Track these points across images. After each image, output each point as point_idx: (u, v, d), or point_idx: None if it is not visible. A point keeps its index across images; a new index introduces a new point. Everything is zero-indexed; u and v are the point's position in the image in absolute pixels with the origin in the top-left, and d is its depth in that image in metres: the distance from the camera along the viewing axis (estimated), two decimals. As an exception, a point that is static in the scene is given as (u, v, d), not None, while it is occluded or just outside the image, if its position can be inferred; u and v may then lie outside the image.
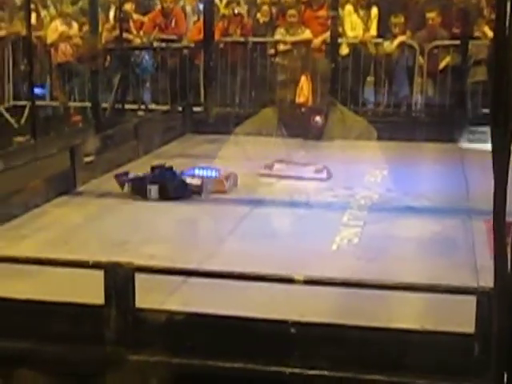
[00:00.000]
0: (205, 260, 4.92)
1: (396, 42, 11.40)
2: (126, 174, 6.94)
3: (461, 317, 3.58)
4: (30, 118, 10.29)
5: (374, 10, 11.76)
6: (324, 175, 7.37)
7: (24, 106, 12.48)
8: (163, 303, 4.07)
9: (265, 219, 6.05)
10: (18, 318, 3.84)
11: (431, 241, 5.50)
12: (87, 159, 7.31)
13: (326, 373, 3.46)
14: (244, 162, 7.80)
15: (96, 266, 3.84)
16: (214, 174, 6.88)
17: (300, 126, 9.47)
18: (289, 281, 3.72)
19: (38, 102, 11.70)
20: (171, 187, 6.65)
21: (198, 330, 3.69)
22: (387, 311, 3.95)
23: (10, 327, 3.81)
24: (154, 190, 6.61)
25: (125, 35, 12.04)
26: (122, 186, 6.78)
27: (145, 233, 5.67)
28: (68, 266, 4.12)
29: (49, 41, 12.81)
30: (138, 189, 6.68)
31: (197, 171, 6.89)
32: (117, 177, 6.90)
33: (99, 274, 3.70)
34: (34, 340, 3.78)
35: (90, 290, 3.84)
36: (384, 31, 11.64)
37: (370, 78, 12.22)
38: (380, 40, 11.61)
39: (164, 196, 6.60)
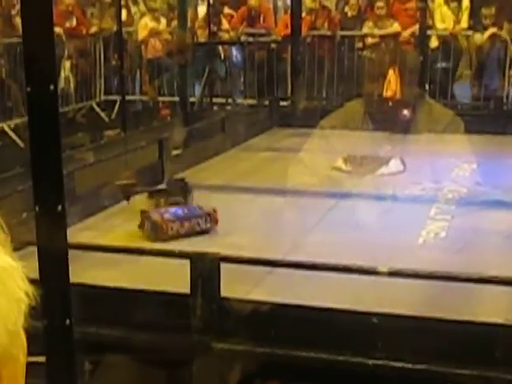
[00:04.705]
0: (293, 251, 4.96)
1: (487, 33, 11.20)
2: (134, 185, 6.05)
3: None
4: (121, 112, 10.50)
5: (466, 2, 11.58)
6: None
7: (115, 101, 12.75)
8: (248, 293, 4.11)
9: (352, 211, 6.03)
10: (108, 306, 3.93)
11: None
12: (175, 152, 7.41)
13: (409, 365, 3.44)
14: (332, 155, 7.78)
15: (182, 255, 3.90)
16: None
17: (388, 120, 9.39)
18: (373, 272, 3.71)
19: (128, 97, 11.96)
20: None
21: (282, 321, 3.71)
22: (472, 304, 3.90)
23: (99, 314, 3.89)
24: None
25: (214, 29, 12.19)
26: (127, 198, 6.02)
27: (231, 223, 5.71)
28: (155, 255, 4.22)
29: (139, 37, 13.06)
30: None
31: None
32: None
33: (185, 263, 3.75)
34: (123, 327, 3.85)
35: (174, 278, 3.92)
36: (475, 23, 11.46)
37: (460, 71, 12.05)
38: (470, 32, 11.43)
39: None
